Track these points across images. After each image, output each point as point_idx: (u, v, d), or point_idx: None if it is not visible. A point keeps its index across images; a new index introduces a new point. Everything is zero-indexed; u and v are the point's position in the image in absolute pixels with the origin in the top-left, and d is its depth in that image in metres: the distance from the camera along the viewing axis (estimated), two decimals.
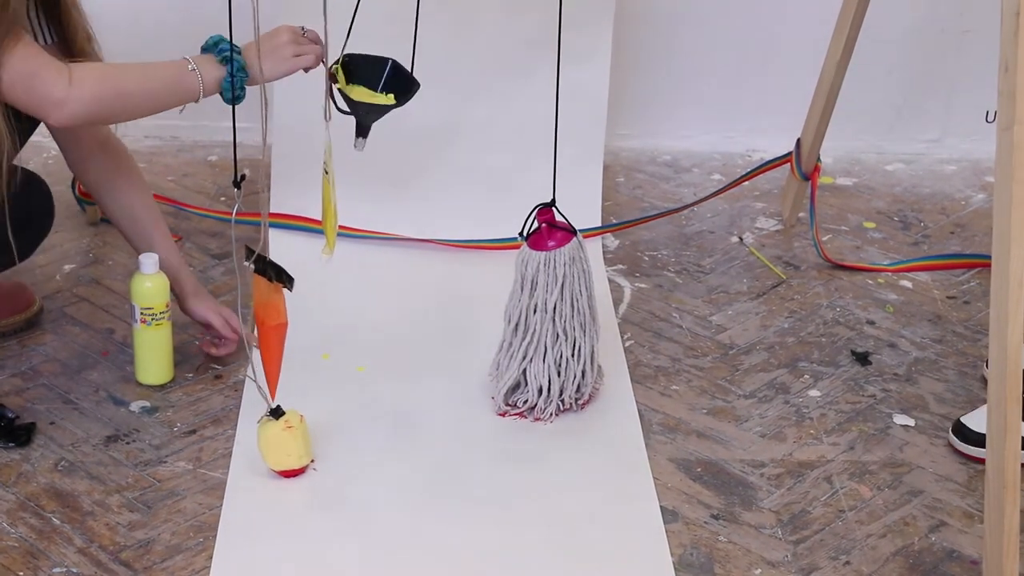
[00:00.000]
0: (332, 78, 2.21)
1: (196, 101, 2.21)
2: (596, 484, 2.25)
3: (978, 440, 2.28)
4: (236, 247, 2.19)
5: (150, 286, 2.40)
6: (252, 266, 2.12)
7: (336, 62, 2.23)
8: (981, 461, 2.21)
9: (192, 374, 2.49)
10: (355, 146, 2.27)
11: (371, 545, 2.11)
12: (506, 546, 2.11)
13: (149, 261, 2.41)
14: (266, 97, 2.13)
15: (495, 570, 2.07)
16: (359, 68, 2.26)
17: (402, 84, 2.27)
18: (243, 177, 2.10)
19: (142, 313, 2.41)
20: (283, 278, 2.13)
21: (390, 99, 2.26)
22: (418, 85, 2.27)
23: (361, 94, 2.25)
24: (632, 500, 2.22)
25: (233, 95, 2.18)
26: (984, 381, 2.49)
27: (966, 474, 2.31)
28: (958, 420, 2.37)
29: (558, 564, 2.09)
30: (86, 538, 2.11)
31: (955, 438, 2.35)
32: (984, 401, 2.40)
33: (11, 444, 2.29)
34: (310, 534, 2.13)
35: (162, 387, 2.44)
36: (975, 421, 2.34)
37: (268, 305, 2.14)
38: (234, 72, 2.17)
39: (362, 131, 2.28)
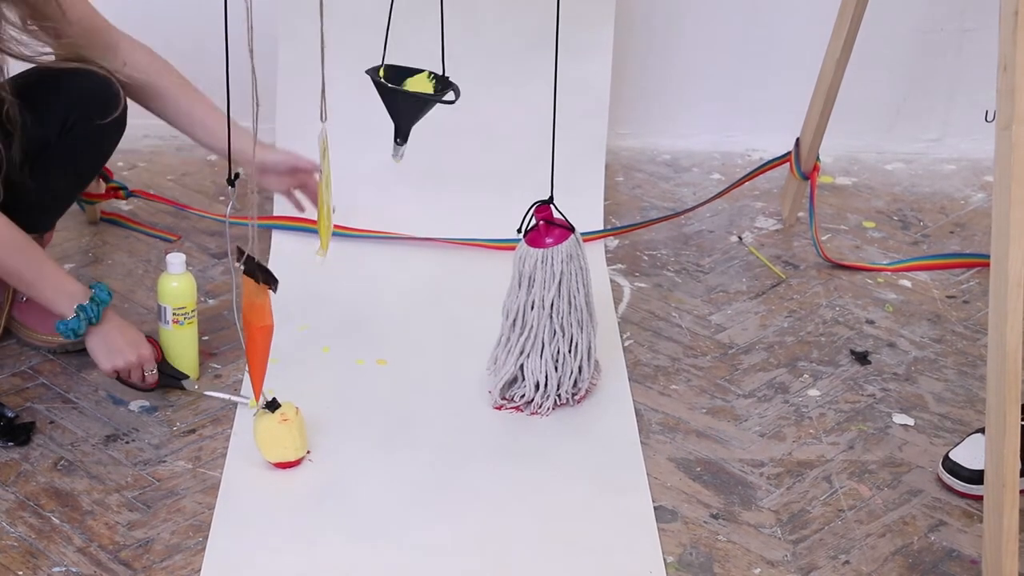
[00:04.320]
0: (375, 77, 2.22)
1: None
2: (590, 478, 2.26)
3: (971, 477, 2.22)
4: (231, 247, 2.19)
5: (176, 285, 2.40)
6: (242, 267, 2.12)
7: (379, 67, 2.25)
8: (978, 498, 2.15)
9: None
10: (393, 155, 2.26)
11: (366, 536, 2.11)
12: (500, 538, 2.12)
13: (176, 260, 2.40)
14: (257, 98, 2.13)
15: (489, 563, 2.08)
16: (397, 74, 2.27)
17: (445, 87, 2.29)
18: (237, 175, 2.10)
19: (175, 314, 2.40)
20: (269, 280, 2.12)
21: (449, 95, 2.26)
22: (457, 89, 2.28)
23: (417, 85, 2.26)
24: (625, 494, 2.23)
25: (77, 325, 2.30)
26: None
27: None
28: (947, 456, 2.27)
29: (551, 557, 2.09)
30: (86, 537, 2.11)
31: (949, 476, 2.26)
32: (978, 418, 2.41)
33: (10, 443, 2.29)
34: (305, 525, 2.13)
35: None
36: (964, 455, 2.26)
37: (254, 307, 2.13)
38: (87, 308, 2.30)
39: (401, 134, 2.26)
